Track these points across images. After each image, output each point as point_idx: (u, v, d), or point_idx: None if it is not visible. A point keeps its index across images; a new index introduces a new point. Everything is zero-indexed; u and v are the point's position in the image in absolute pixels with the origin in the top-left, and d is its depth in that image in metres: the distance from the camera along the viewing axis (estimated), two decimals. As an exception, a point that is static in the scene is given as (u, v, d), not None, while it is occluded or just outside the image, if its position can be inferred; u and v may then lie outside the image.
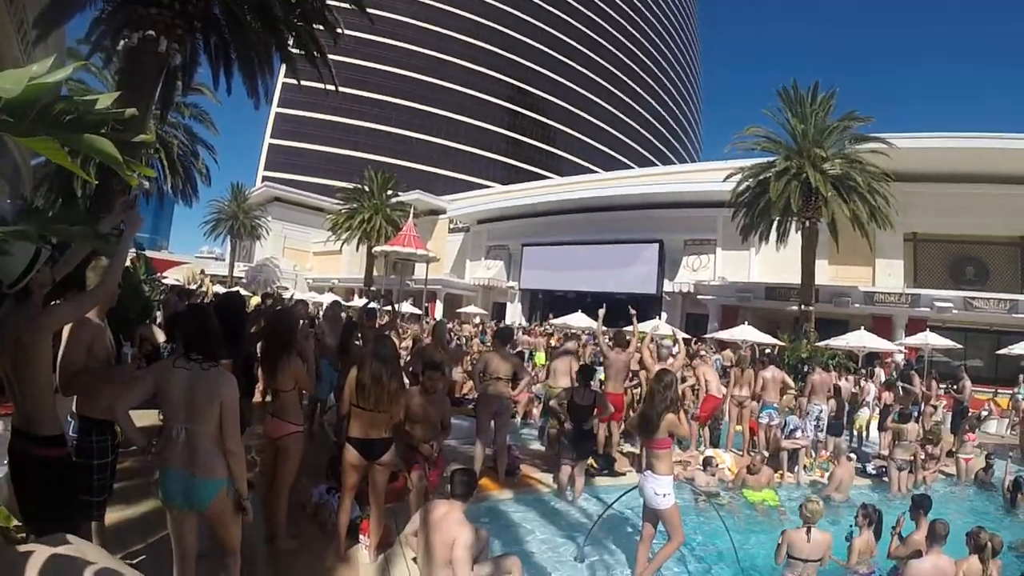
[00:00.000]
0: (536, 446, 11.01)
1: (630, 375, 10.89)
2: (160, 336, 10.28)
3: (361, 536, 5.65)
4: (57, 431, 3.59)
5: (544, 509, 7.65)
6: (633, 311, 9.16)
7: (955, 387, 15.97)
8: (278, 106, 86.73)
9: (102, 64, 18.76)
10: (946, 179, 29.95)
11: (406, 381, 8.62)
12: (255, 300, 20.60)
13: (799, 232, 25.52)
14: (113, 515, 4.70)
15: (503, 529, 6.77)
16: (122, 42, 13.04)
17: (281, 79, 69.90)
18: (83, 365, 3.86)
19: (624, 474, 9.52)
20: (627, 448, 10.87)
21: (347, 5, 14.93)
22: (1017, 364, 21.96)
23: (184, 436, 3.57)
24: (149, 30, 12.17)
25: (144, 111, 12.71)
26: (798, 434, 10.83)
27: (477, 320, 36.61)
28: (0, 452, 4.85)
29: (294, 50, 15.04)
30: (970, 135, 28.72)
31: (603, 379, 10.38)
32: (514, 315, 46.11)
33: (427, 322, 27.80)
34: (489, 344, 18.59)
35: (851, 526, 6.60)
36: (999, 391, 19.84)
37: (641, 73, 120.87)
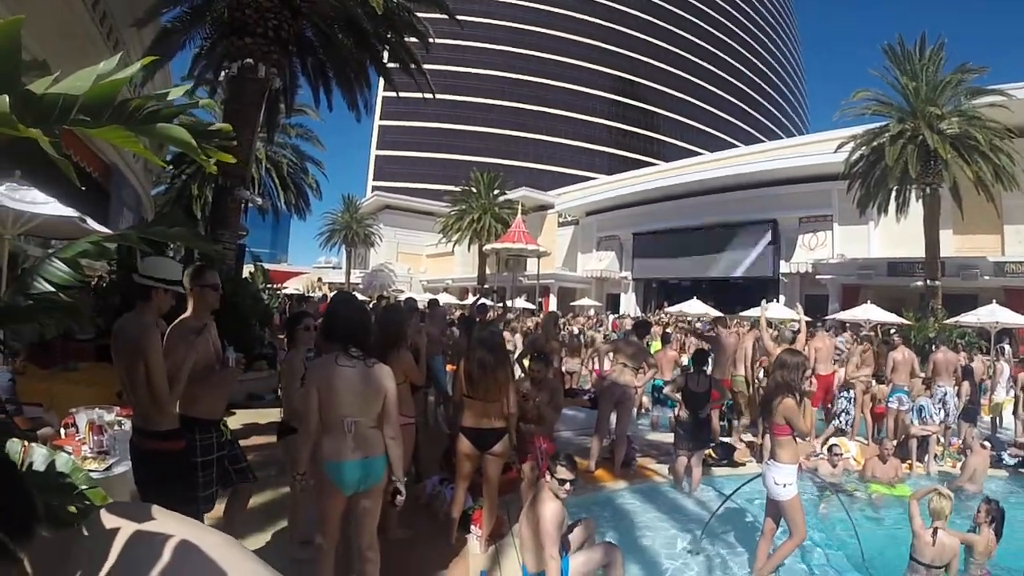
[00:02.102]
0: (652, 437, 10.89)
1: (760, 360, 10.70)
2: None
3: (473, 527, 5.75)
4: (174, 426, 3.91)
5: (660, 501, 7.58)
6: (766, 302, 8.98)
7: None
8: (380, 118, 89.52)
9: (208, 95, 19.77)
10: None
11: (518, 372, 8.75)
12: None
13: (919, 201, 24.32)
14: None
15: (618, 520, 6.78)
16: (223, 73, 13.77)
17: (380, 92, 72.12)
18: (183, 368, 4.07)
19: (744, 464, 9.30)
20: (748, 437, 10.64)
21: (437, 15, 15.20)
22: None
23: (354, 429, 3.78)
24: (247, 59, 12.85)
25: (251, 134, 13.38)
26: (926, 418, 10.34)
27: (592, 312, 36.50)
28: (124, 448, 5.23)
29: (389, 64, 15.47)
30: None
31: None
32: (628, 305, 45.76)
33: (540, 317, 28.00)
34: (602, 336, 18.62)
35: (972, 523, 6.02)
36: None
37: (740, 49, 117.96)
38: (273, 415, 8.28)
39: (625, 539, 5.99)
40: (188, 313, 4.26)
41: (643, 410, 12.96)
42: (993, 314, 20.20)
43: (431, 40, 15.68)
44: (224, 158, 1.99)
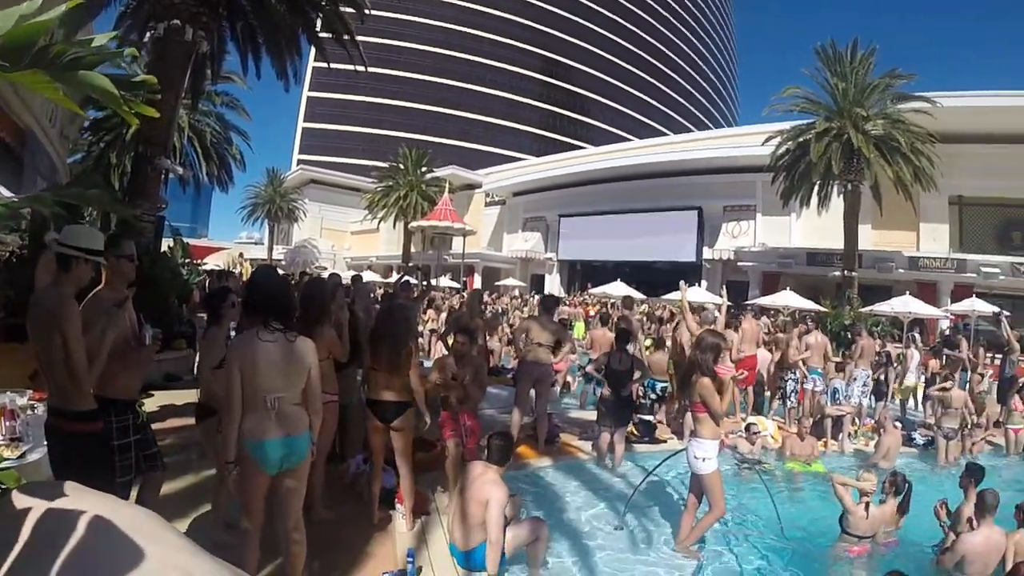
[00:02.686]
0: (575, 415, 10.90)
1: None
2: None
3: (398, 505, 5.66)
4: (92, 406, 3.65)
5: (584, 476, 7.60)
6: (685, 284, 9.04)
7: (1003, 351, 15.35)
8: (309, 90, 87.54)
9: (130, 59, 18.98)
10: (993, 140, 28.76)
11: (441, 349, 8.64)
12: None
13: (841, 196, 25.06)
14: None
15: (542, 496, 6.75)
16: (149, 34, 13.11)
17: (311, 63, 70.51)
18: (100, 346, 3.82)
19: (665, 441, 9.46)
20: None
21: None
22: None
23: (277, 405, 3.62)
24: (174, 20, 12.26)
25: (174, 100, 12.82)
26: (841, 399, 10.70)
27: (516, 292, 36.59)
28: (41, 434, 4.93)
29: (322, 33, 15.03)
30: (1018, 93, 27.60)
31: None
32: (552, 286, 45.92)
33: (464, 295, 27.93)
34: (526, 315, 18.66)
35: (882, 494, 6.33)
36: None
37: (674, 38, 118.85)
38: (191, 396, 7.94)
39: (550, 514, 5.95)
40: (102, 285, 4.02)
41: (567, 389, 13.07)
42: (907, 305, 21.14)
43: (367, 11, 15.31)
44: (147, 111, 1.82)
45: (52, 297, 3.47)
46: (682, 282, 9.01)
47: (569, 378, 13.35)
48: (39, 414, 5.29)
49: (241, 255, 40.31)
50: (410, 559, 4.61)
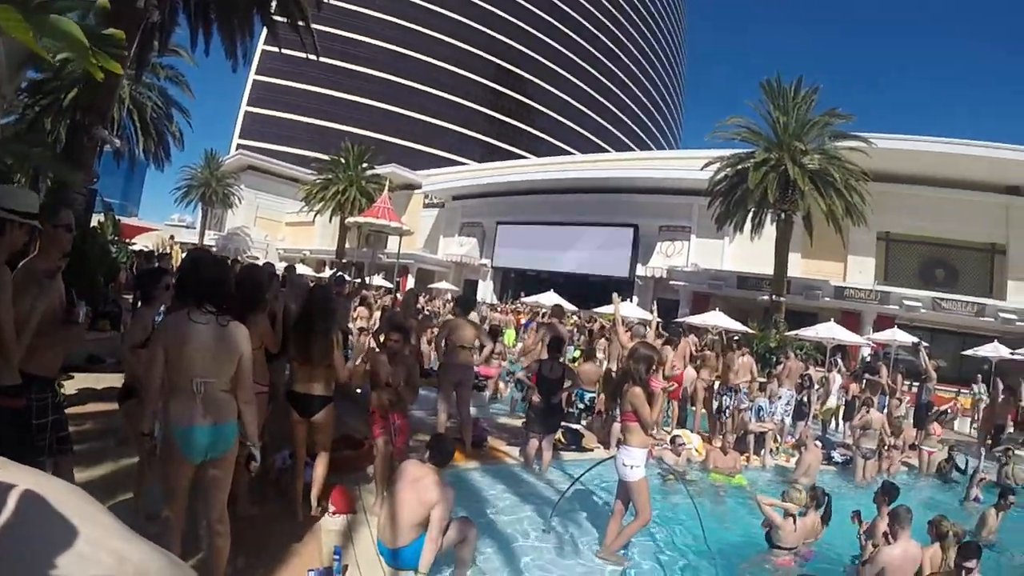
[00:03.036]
0: (504, 420, 10.94)
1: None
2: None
3: (324, 502, 5.60)
4: (16, 380, 3.48)
5: (511, 481, 7.59)
6: (618, 296, 9.14)
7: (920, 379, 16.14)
8: (256, 73, 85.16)
9: (78, 20, 18.31)
10: (922, 182, 30.58)
11: (372, 344, 8.52)
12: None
13: (774, 224, 25.67)
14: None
15: (469, 499, 6.70)
16: None
17: (261, 45, 69.07)
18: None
19: (592, 450, 9.54)
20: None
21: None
22: (980, 366, 22.49)
23: (204, 390, 3.49)
24: None
25: (119, 67, 12.39)
26: (764, 416, 11.02)
27: (448, 296, 36.44)
28: None
29: (277, 16, 14.76)
30: (948, 141, 29.29)
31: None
32: (485, 292, 45.85)
33: (398, 295, 27.70)
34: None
35: (804, 507, 6.62)
36: (962, 391, 20.25)
37: (625, 59, 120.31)
38: (113, 380, 7.63)
39: (477, 516, 5.90)
40: (36, 254, 3.84)
41: (497, 395, 13.08)
42: (831, 331, 21.85)
43: (323, -1, 15.10)
44: (113, 67, 1.75)
45: None
46: (615, 294, 9.12)
47: (501, 384, 13.37)
48: None
49: (172, 238, 39.20)
50: (336, 556, 4.55)
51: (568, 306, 27.77)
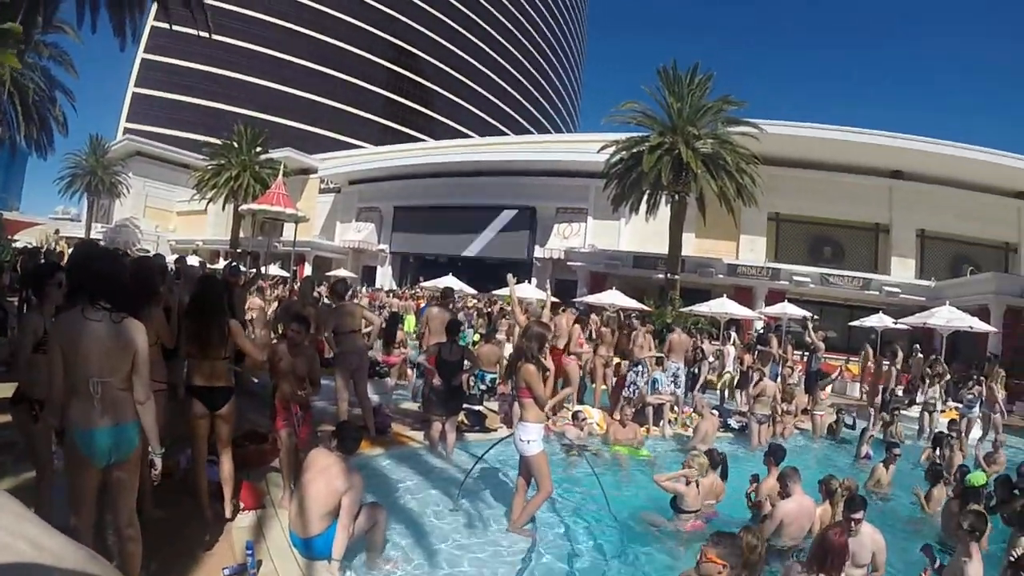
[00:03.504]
0: (407, 405, 10.96)
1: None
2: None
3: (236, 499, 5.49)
4: None
5: (417, 465, 7.65)
6: (513, 277, 9.20)
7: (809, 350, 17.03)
8: (145, 51, 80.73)
9: None
10: (810, 166, 32.52)
11: (270, 336, 8.40)
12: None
13: (668, 205, 26.28)
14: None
15: (377, 484, 6.69)
16: None
17: (150, 22, 65.53)
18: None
19: (495, 430, 9.63)
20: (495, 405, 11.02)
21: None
22: (867, 335, 23.79)
23: (101, 390, 3.38)
24: None
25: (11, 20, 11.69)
26: (659, 388, 11.39)
27: (348, 283, 35.98)
28: None
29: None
30: (834, 128, 31.20)
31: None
32: (384, 278, 45.40)
33: (295, 285, 27.21)
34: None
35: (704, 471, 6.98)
36: (851, 359, 21.35)
37: (524, 41, 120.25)
38: (5, 390, 7.27)
39: (386, 501, 5.91)
40: None
41: (406, 381, 13.02)
42: (723, 306, 22.65)
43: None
44: (11, 61, 1.66)
45: None
46: (509, 275, 9.18)
47: (409, 371, 13.28)
48: None
49: (57, 232, 37.35)
50: (249, 551, 4.52)
51: (468, 289, 27.96)
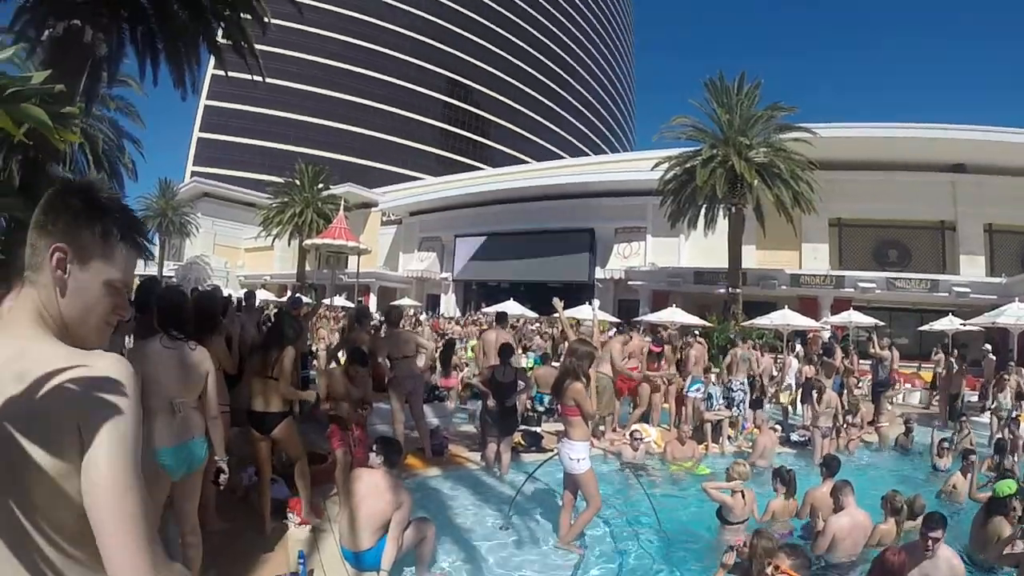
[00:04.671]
0: (465, 428, 11.05)
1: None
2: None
3: (290, 514, 5.75)
4: None
5: (471, 484, 7.69)
6: (559, 300, 9.24)
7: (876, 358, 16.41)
8: (207, 98, 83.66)
9: (25, 55, 18.12)
10: (868, 166, 31.42)
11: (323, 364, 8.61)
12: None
13: (726, 218, 26.09)
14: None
15: (431, 503, 6.79)
16: (47, 32, 12.58)
17: (210, 70, 68.04)
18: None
19: (552, 450, 9.55)
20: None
21: (274, -6, 14.57)
22: (939, 340, 22.99)
23: (182, 411, 3.75)
24: (75, 19, 11.78)
25: (69, 104, 12.24)
26: (716, 405, 11.22)
27: (411, 312, 36.39)
28: None
29: (222, 40, 14.68)
30: (890, 125, 30.29)
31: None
32: (448, 306, 45.77)
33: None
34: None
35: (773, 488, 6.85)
36: (922, 365, 20.66)
37: (574, 64, 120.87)
38: None
39: (439, 519, 6.02)
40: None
41: (464, 403, 13.13)
42: (784, 317, 22.21)
43: (267, 20, 15.04)
44: (72, 137, 1.87)
45: None
46: (555, 299, 9.21)
47: (464, 393, 13.40)
48: None
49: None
50: (301, 560, 4.67)
51: (529, 314, 28.00)
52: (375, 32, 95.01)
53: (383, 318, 9.86)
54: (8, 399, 1.18)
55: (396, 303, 39.67)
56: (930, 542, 4.68)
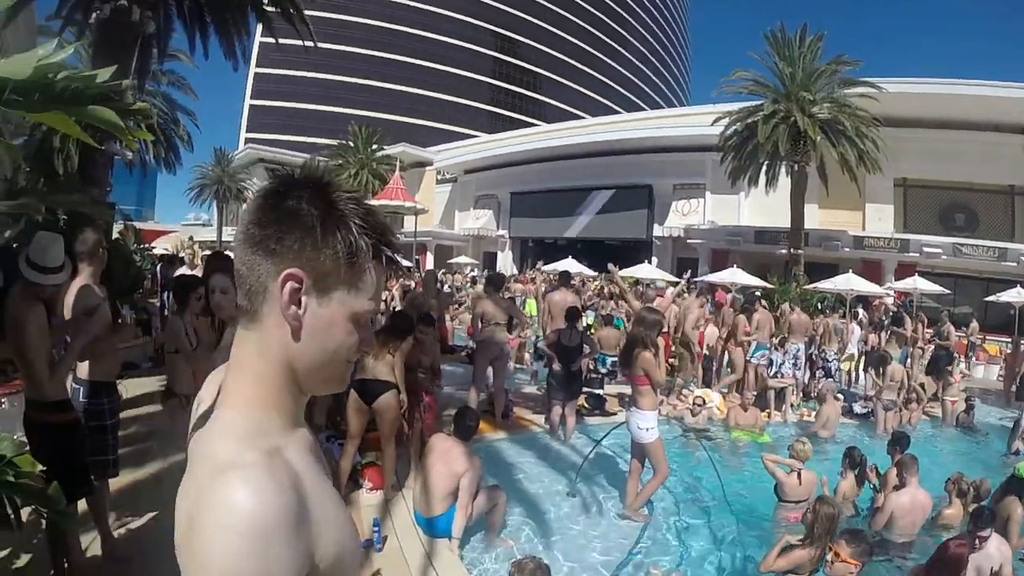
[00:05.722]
0: (529, 390, 11.14)
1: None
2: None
3: (362, 480, 5.90)
4: (62, 396, 3.77)
5: (537, 448, 7.84)
6: (613, 266, 9.20)
7: (938, 334, 15.75)
8: (256, 66, 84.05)
9: (75, 38, 18.50)
10: (936, 125, 29.65)
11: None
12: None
13: (788, 176, 25.46)
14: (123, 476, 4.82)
15: (498, 468, 6.95)
16: (94, 15, 12.75)
17: (258, 38, 68.23)
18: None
19: (615, 414, 9.68)
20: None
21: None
22: (1006, 311, 22.08)
23: None
24: (120, 0, 11.93)
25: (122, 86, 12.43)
26: (783, 371, 11.11)
27: (468, 270, 36.57)
28: (8, 427, 4.93)
29: (269, 8, 14.75)
30: (961, 82, 28.47)
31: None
32: (505, 263, 45.86)
33: (417, 273, 27.83)
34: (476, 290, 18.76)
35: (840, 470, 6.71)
36: (987, 337, 20.04)
37: (626, 16, 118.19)
38: (149, 385, 7.88)
39: (506, 484, 6.17)
40: (86, 279, 4.13)
41: (524, 365, 13.25)
42: (849, 282, 21.56)
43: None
44: (145, 136, 1.97)
45: (13, 304, 3.57)
46: (610, 264, 9.21)
47: (526, 355, 13.52)
48: (5, 408, 5.33)
49: (191, 238, 39.61)
50: (376, 528, 4.84)
51: (587, 271, 27.88)
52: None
53: (486, 281, 9.84)
54: None
55: (453, 260, 40.02)
56: (978, 540, 4.61)
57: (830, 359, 12.50)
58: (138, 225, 21.92)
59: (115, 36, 12.20)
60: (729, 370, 12.19)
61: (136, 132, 1.75)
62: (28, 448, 3.50)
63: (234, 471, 0.88)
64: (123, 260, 12.24)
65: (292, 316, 0.99)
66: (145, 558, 4.23)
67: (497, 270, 40.99)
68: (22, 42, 10.77)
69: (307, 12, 15.11)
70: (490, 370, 8.78)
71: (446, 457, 5.05)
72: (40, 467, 2.38)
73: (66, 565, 3.60)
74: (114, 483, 4.60)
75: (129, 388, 8.21)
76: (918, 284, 22.47)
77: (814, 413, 10.49)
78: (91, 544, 4.23)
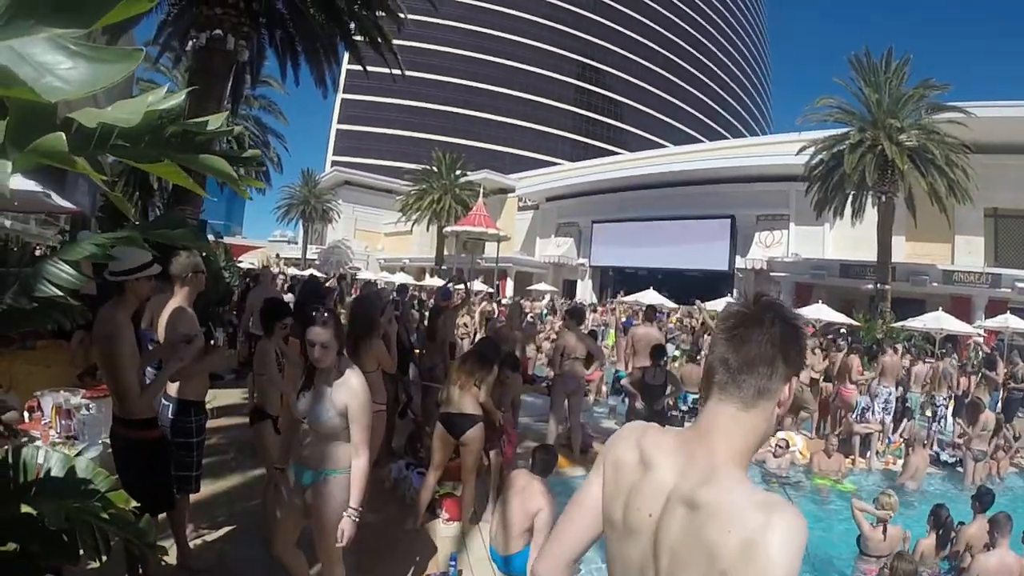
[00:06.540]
0: (607, 424, 11.12)
1: None
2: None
3: (440, 511, 5.98)
4: (149, 414, 3.92)
5: (616, 486, 7.77)
6: (700, 302, 9.14)
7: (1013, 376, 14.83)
8: (344, 92, 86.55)
9: (172, 64, 19.39)
10: None
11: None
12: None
13: (875, 207, 24.77)
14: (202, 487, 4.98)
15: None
16: (190, 43, 13.40)
17: (346, 65, 69.97)
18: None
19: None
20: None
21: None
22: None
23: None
24: (216, 30, 12.53)
25: (216, 108, 13.01)
26: (868, 416, 10.80)
27: (547, 298, 36.62)
28: (95, 432, 5.19)
29: (358, 38, 15.25)
30: None
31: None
32: (584, 292, 45.88)
33: (497, 300, 28.01)
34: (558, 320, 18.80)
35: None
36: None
37: (708, 44, 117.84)
38: (232, 396, 8.22)
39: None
40: (181, 301, 4.35)
41: (601, 398, 13.25)
42: (939, 320, 20.85)
43: (402, 16, 15.53)
44: (256, 184, 1.99)
45: (108, 324, 3.69)
46: (697, 301, 9.16)
47: (604, 387, 13.49)
48: (93, 413, 5.59)
49: (277, 255, 40.77)
50: (452, 562, 4.93)
51: (668, 303, 27.65)
52: (504, 20, 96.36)
53: (567, 314, 9.92)
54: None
55: (532, 288, 40.15)
56: None
57: (939, 403, 12.10)
58: (227, 240, 22.71)
59: (210, 63, 12.84)
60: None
61: (248, 180, 1.83)
62: (118, 477, 3.51)
63: (783, 505, 1.22)
64: (213, 276, 12.75)
65: (783, 409, 1.38)
66: (222, 570, 4.45)
67: (577, 299, 41.10)
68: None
69: (394, 41, 15.59)
70: (566, 403, 8.81)
71: (523, 494, 5.08)
72: (133, 503, 2.53)
73: (141, 573, 3.70)
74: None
75: (211, 400, 8.66)
76: (1010, 322, 21.58)
77: (900, 461, 10.14)
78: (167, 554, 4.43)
